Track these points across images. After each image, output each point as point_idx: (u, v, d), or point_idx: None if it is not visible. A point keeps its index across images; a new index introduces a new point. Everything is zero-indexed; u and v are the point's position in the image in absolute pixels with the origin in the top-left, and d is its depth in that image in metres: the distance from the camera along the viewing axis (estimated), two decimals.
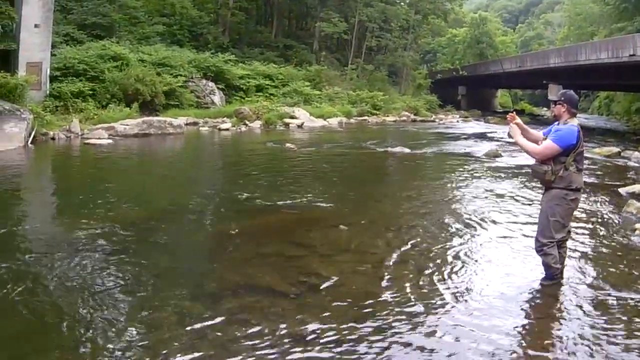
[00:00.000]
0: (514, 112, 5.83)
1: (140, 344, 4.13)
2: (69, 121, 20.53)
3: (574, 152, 5.22)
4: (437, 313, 4.81)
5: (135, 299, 5.01)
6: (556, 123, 5.44)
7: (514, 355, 4.15)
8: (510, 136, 5.66)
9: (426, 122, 39.37)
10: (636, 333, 4.47)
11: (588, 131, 30.99)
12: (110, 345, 4.09)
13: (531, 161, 5.63)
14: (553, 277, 5.45)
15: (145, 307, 4.80)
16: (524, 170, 12.74)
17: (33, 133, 17.56)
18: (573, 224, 7.69)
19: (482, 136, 26.42)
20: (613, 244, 7.27)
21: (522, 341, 4.40)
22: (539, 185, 6.20)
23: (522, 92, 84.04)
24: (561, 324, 4.71)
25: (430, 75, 57.67)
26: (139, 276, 5.61)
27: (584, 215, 8.64)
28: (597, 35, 50.91)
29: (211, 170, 14.79)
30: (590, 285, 5.55)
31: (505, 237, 7.42)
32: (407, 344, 4.22)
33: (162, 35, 35.40)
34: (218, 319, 4.57)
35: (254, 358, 3.95)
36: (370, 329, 4.43)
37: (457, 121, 41.76)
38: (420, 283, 5.54)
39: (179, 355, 3.95)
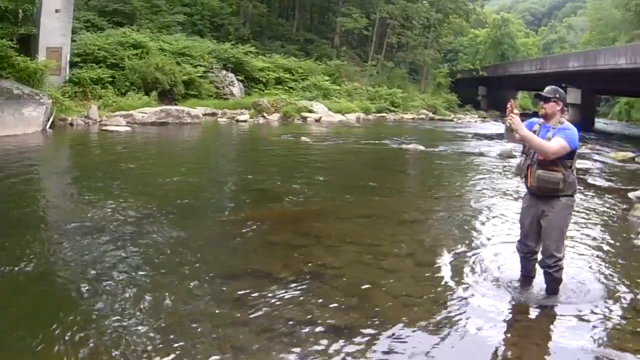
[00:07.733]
0: (515, 100, 5.15)
1: (142, 326, 4.22)
2: (87, 107, 20.77)
3: (576, 154, 4.93)
4: (437, 306, 4.85)
5: (139, 282, 5.13)
6: (550, 126, 4.87)
7: (518, 357, 4.18)
8: (510, 129, 4.78)
9: (444, 121, 39.24)
10: None
11: (606, 136, 30.87)
12: (113, 326, 4.19)
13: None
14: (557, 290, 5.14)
15: (149, 290, 4.90)
16: None
17: (51, 118, 17.80)
18: (580, 228, 7.74)
19: (498, 137, 26.25)
20: (618, 247, 7.23)
21: (523, 342, 4.43)
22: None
23: None
24: (567, 328, 4.64)
25: (451, 74, 57.39)
26: (146, 259, 5.74)
27: (591, 218, 8.62)
28: (618, 41, 50.48)
29: (225, 160, 14.90)
30: (594, 290, 5.45)
31: (512, 235, 7.42)
32: (405, 333, 4.27)
33: (183, 24, 35.41)
34: (222, 303, 4.67)
35: (257, 341, 4.04)
36: (367, 317, 4.49)
37: (475, 121, 41.61)
38: (422, 277, 5.60)
39: (181, 336, 4.03)
